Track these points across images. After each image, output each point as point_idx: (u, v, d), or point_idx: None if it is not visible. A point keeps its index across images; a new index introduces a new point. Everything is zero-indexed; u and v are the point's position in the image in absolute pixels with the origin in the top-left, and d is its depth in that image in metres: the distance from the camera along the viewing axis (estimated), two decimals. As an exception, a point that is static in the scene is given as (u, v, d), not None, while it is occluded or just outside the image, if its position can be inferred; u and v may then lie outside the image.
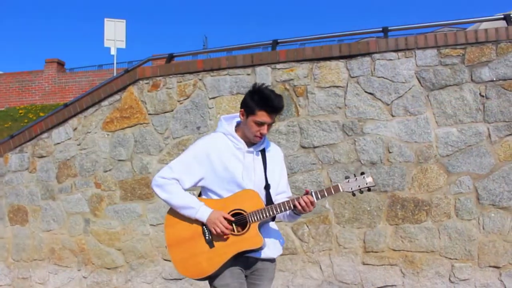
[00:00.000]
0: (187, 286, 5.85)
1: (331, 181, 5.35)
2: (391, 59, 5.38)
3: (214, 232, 2.97)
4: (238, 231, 2.98)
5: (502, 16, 5.50)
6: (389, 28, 5.70)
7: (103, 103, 6.30)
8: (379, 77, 5.38)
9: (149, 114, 6.06)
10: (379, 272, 5.30)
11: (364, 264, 5.33)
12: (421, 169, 5.22)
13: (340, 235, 5.37)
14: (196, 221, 3.03)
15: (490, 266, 5.08)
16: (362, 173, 3.06)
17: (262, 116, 2.99)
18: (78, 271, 6.31)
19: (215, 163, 3.04)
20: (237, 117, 3.19)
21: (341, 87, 5.46)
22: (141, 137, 6.06)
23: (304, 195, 3.01)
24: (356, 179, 3.02)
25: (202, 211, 3.00)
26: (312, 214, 5.39)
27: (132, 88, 6.18)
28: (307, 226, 5.42)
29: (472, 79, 5.20)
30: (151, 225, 5.99)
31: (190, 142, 5.84)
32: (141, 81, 6.13)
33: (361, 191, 3.03)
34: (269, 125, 3.02)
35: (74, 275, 6.31)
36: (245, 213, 2.99)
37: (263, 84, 3.11)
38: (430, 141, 5.22)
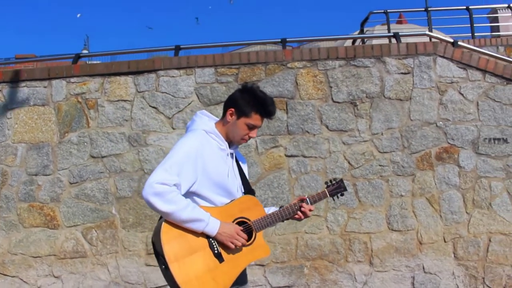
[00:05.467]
0: (-14, 289, 6.01)
1: (117, 188, 5.69)
2: (173, 76, 5.74)
3: (232, 247, 2.64)
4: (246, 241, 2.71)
5: (280, 40, 6.06)
6: (181, 46, 6.10)
7: None
8: (162, 92, 5.70)
9: (-48, 122, 6.14)
10: (160, 273, 5.70)
11: (147, 265, 5.66)
12: (197, 178, 5.67)
13: (125, 238, 5.67)
14: (199, 233, 2.61)
15: (256, 265, 5.60)
16: (335, 179, 3.05)
17: (256, 119, 2.77)
18: None
19: (207, 165, 2.67)
20: (209, 115, 2.91)
21: (129, 101, 5.77)
22: None
23: (300, 201, 2.89)
24: (334, 184, 3.01)
25: (211, 224, 2.60)
26: (99, 219, 5.68)
27: None
28: (96, 231, 5.69)
29: (243, 96, 5.70)
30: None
31: (-11, 151, 5.98)
32: None
33: (339, 195, 3.02)
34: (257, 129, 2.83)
35: None
36: (249, 222, 2.74)
37: (253, 83, 2.87)
38: (206, 152, 5.67)
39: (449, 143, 5.57)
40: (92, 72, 5.79)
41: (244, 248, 2.70)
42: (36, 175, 5.71)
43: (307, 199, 2.92)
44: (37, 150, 5.75)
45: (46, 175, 5.70)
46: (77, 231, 5.66)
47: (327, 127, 5.57)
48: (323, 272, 5.49)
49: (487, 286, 5.47)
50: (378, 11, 8.18)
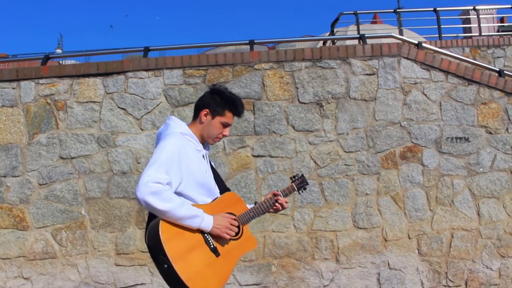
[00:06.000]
0: (-44, 291, 6.00)
1: (86, 189, 5.71)
2: (142, 78, 5.79)
3: (228, 237, 2.76)
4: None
5: (248, 41, 6.13)
6: (150, 48, 6.15)
7: None
8: (131, 93, 5.74)
9: None
10: (130, 272, 5.72)
11: (116, 265, 5.71)
12: (165, 178, 5.72)
13: (95, 239, 5.71)
14: (195, 230, 2.69)
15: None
16: (297, 175, 3.32)
17: (229, 117, 2.93)
18: None
19: (190, 165, 2.77)
20: (179, 119, 3.00)
21: (98, 102, 5.80)
22: None
23: (274, 196, 3.08)
24: (298, 179, 3.28)
25: (206, 220, 2.70)
26: (69, 220, 5.71)
27: None
28: (65, 232, 5.72)
29: (211, 97, 5.77)
30: None
31: (-42, 153, 5.97)
32: None
33: (303, 189, 3.28)
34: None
35: None
36: (235, 217, 2.87)
37: (221, 85, 3.05)
38: (174, 152, 5.73)
39: (413, 142, 5.70)
40: (61, 73, 5.80)
41: (234, 242, 2.82)
42: (5, 176, 5.71)
43: (280, 192, 3.14)
44: (5, 152, 5.75)
45: (15, 176, 5.71)
46: (46, 232, 5.68)
47: (293, 127, 5.65)
48: (291, 270, 5.57)
49: (450, 280, 5.61)
50: (348, 12, 8.32)
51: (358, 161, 5.65)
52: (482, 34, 9.11)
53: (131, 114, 5.70)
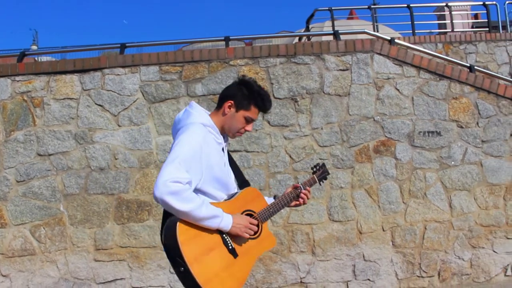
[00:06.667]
0: None
1: (64, 186, 5.70)
2: (119, 74, 5.78)
3: (247, 237, 2.63)
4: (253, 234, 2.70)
5: (223, 38, 6.14)
6: (126, 44, 6.13)
7: None
8: (108, 90, 5.74)
9: None
10: (109, 268, 5.72)
11: (95, 260, 5.71)
12: (143, 174, 5.71)
13: (73, 235, 5.70)
14: (213, 230, 2.54)
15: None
16: (318, 164, 3.13)
17: (254, 113, 2.74)
18: None
19: (210, 160, 2.59)
20: (201, 107, 2.78)
21: (75, 99, 5.78)
22: None
23: (295, 189, 2.95)
24: (319, 169, 3.11)
25: (225, 219, 2.55)
26: (47, 216, 5.69)
27: None
28: (44, 228, 5.70)
29: (187, 93, 5.77)
30: None
31: None
32: None
33: (324, 180, 3.14)
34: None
35: None
36: (255, 214, 2.74)
37: (250, 77, 2.85)
38: (151, 148, 5.72)
39: (386, 136, 5.77)
40: (37, 70, 5.77)
41: (253, 241, 2.69)
42: (-18, 174, 5.66)
43: (301, 186, 2.99)
44: (-17, 149, 5.69)
45: (-8, 173, 5.66)
46: (25, 229, 5.65)
47: (268, 122, 5.69)
48: (268, 263, 5.62)
49: (423, 271, 5.71)
50: (323, 8, 8.38)
51: (332, 155, 5.71)
52: (455, 30, 9.23)
53: (108, 111, 5.69)
